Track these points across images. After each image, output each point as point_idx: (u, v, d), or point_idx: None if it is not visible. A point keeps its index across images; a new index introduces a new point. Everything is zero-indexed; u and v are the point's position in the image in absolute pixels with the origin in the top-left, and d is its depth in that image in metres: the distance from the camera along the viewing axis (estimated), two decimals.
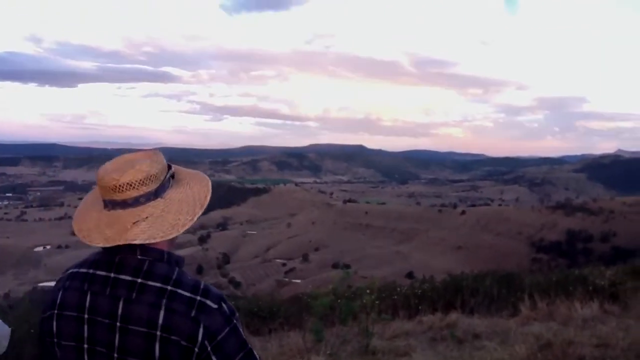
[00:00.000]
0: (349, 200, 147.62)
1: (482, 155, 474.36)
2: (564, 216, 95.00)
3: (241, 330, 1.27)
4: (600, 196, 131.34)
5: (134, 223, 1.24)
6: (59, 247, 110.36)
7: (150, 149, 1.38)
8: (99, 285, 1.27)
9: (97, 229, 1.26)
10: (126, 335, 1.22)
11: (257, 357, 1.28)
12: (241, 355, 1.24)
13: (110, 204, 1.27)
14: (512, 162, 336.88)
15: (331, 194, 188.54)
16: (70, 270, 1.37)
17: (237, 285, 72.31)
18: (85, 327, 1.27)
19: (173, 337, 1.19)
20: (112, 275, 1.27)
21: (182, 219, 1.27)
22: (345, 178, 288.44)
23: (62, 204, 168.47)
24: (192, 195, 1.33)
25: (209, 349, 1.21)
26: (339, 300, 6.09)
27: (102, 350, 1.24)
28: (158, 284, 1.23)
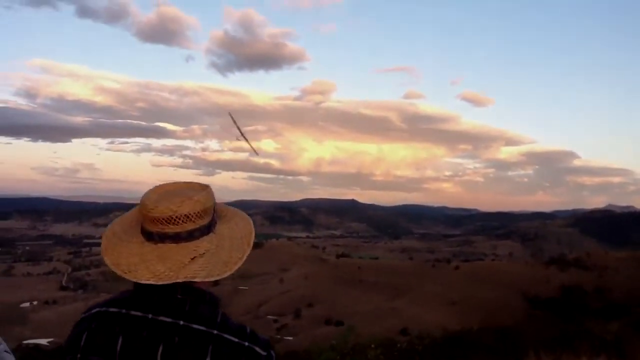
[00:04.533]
0: (342, 255, 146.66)
1: (475, 209, 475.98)
2: (558, 271, 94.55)
3: None
4: (592, 250, 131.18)
5: (192, 259, 1.10)
6: (46, 302, 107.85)
7: (198, 182, 1.25)
8: (134, 327, 1.11)
9: (144, 264, 1.10)
10: None
11: None
12: None
13: (158, 237, 1.13)
14: (504, 216, 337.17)
15: (324, 248, 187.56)
16: (96, 309, 1.20)
17: None
18: None
19: None
20: (150, 316, 1.12)
21: (234, 256, 1.16)
22: (337, 232, 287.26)
23: (50, 259, 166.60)
24: (239, 232, 1.22)
25: None
26: (338, 357, 5.89)
27: None
28: (202, 328, 1.10)
